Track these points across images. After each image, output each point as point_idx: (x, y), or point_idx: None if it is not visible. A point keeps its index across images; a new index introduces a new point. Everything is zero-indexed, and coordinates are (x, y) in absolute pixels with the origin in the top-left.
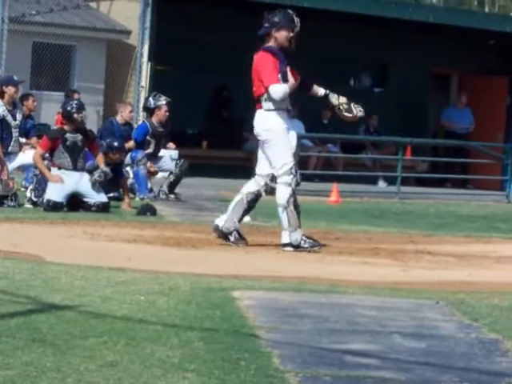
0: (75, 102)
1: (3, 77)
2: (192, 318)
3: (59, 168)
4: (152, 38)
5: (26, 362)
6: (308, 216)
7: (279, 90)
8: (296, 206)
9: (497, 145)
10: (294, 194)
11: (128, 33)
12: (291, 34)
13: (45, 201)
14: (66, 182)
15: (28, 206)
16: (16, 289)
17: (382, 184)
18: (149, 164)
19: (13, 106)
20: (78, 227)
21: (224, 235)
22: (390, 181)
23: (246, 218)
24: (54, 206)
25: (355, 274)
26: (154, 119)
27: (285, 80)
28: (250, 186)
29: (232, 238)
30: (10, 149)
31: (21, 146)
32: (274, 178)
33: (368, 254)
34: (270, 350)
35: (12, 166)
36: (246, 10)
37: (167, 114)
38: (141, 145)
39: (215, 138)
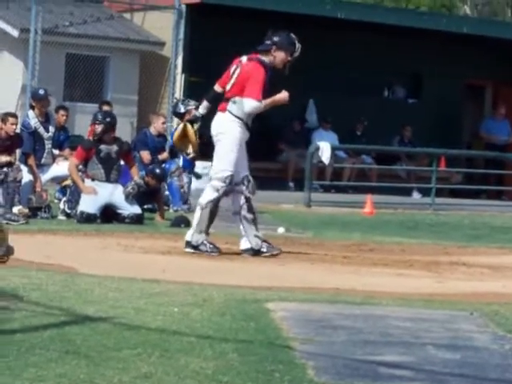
0: (99, 113)
1: (32, 90)
2: (226, 329)
3: (93, 179)
4: (186, 49)
5: (60, 374)
6: (342, 227)
7: (254, 105)
8: (213, 213)
9: None
10: (217, 200)
11: (162, 44)
12: (289, 58)
13: (78, 212)
14: (99, 193)
15: (61, 217)
16: (49, 300)
17: (416, 195)
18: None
19: (45, 118)
20: (112, 239)
21: (195, 248)
22: (425, 192)
23: (281, 230)
24: (87, 218)
25: (389, 286)
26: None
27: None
28: (209, 194)
29: (203, 249)
30: (42, 161)
31: (54, 158)
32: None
33: (402, 266)
34: (304, 362)
35: (45, 177)
36: (280, 22)
37: None
38: (175, 154)
39: (250, 149)
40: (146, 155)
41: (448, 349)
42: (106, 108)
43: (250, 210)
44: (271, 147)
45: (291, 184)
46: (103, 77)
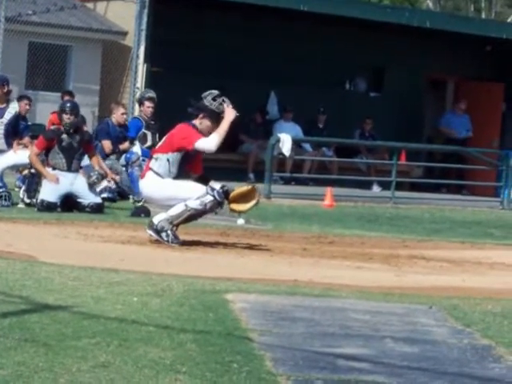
0: (67, 103)
1: None
2: (185, 319)
3: (54, 168)
4: (148, 39)
5: (19, 361)
6: (302, 220)
7: (213, 141)
8: (192, 218)
9: (492, 151)
10: (202, 212)
11: (124, 34)
12: (213, 125)
13: (39, 201)
14: (60, 182)
15: (21, 206)
16: (9, 289)
17: (376, 188)
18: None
19: (6, 102)
20: (72, 228)
21: (157, 232)
22: (385, 185)
23: (240, 221)
24: (47, 207)
25: (349, 278)
26: (142, 113)
27: (187, 162)
28: (198, 204)
29: (164, 236)
30: None
31: (9, 145)
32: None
33: (362, 259)
34: (262, 353)
35: (6, 164)
36: (243, 12)
37: (149, 109)
38: (134, 139)
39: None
40: (107, 144)
41: (406, 342)
42: (67, 98)
43: (200, 211)
44: (232, 138)
45: (251, 175)
46: (65, 66)
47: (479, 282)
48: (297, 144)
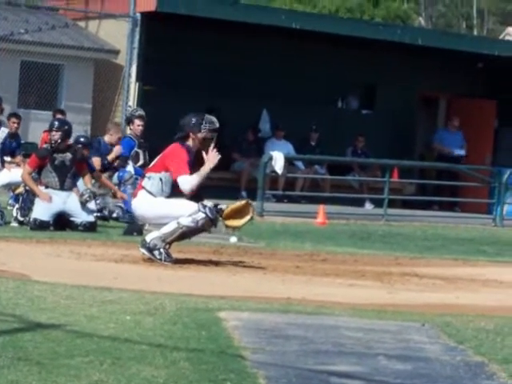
0: (55, 121)
1: None
2: (178, 338)
3: (46, 187)
4: (140, 57)
5: (12, 380)
6: (295, 237)
7: (191, 182)
8: (184, 236)
9: (484, 168)
10: (195, 230)
11: (116, 52)
12: (205, 136)
13: (31, 219)
14: (53, 201)
15: (14, 224)
16: (2, 307)
17: (368, 206)
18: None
19: None
20: (65, 246)
21: (149, 251)
22: (377, 203)
23: (233, 239)
24: (40, 225)
25: (341, 296)
26: (131, 132)
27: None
28: (190, 221)
29: (157, 255)
30: None
31: (3, 164)
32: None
33: (354, 276)
34: (255, 371)
35: None
36: (235, 31)
37: (140, 127)
38: (128, 158)
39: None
40: (97, 161)
41: (399, 360)
42: (59, 116)
43: (192, 228)
44: (224, 156)
45: (244, 193)
46: (57, 84)
47: (472, 299)
48: (289, 162)
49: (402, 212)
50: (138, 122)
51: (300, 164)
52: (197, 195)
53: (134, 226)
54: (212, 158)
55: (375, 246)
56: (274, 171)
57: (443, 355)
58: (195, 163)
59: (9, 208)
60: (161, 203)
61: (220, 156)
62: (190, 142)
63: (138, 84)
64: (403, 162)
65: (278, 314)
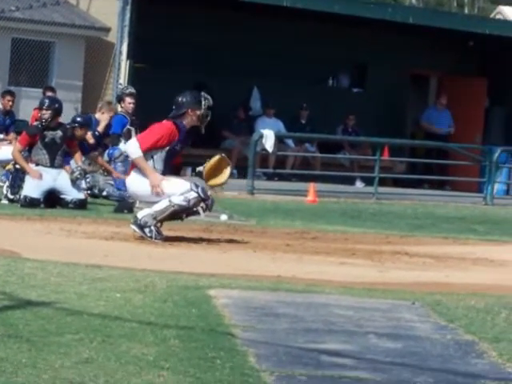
0: (46, 99)
1: None
2: (168, 315)
3: (37, 164)
4: (131, 35)
5: (2, 357)
6: (285, 215)
7: (132, 151)
8: (176, 214)
9: (475, 146)
10: (186, 208)
11: (107, 30)
12: (201, 112)
13: (22, 197)
14: (43, 178)
15: (4, 201)
16: None
17: (359, 184)
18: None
19: None
20: (55, 224)
21: (140, 228)
22: (368, 181)
23: (223, 217)
24: (30, 203)
25: (332, 274)
26: (122, 110)
27: (171, 158)
28: (181, 200)
29: (147, 232)
30: None
31: None
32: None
33: (345, 254)
34: (245, 349)
35: None
36: (226, 9)
37: (131, 105)
38: (120, 136)
39: (193, 136)
40: (89, 136)
41: (390, 338)
42: (49, 93)
43: (184, 207)
44: (215, 134)
45: (234, 171)
46: (48, 62)
47: (462, 278)
48: (279, 140)
49: (392, 190)
50: (128, 99)
51: (290, 142)
52: (176, 167)
53: (124, 204)
54: (156, 182)
55: (366, 225)
56: (264, 149)
57: (433, 334)
58: (186, 142)
59: (0, 185)
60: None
61: (162, 186)
62: (186, 120)
63: (128, 62)
64: (394, 141)
65: (268, 291)
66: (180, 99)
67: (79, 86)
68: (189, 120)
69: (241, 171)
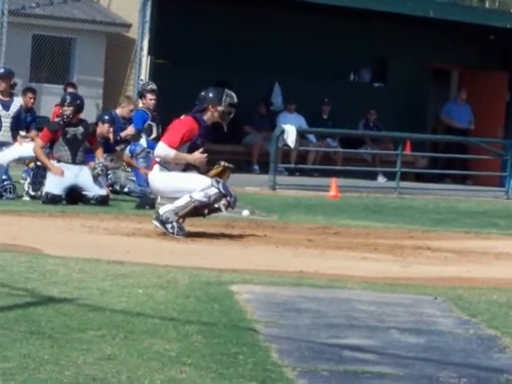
0: (67, 95)
1: None
2: (190, 311)
3: (58, 161)
4: (152, 31)
5: (24, 354)
6: (307, 211)
7: (165, 151)
8: (196, 210)
9: (496, 141)
10: (206, 204)
11: (128, 26)
12: (222, 109)
13: (43, 193)
14: (65, 175)
15: (26, 198)
16: (14, 281)
17: (381, 179)
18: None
19: (9, 96)
20: (77, 220)
21: (162, 223)
22: (390, 176)
23: (245, 212)
24: (52, 199)
25: (354, 269)
26: (144, 106)
27: (190, 152)
28: (202, 196)
29: (169, 228)
30: None
31: (14, 138)
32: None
33: (367, 250)
34: (268, 345)
35: (11, 157)
36: (247, 5)
37: (152, 101)
38: (142, 132)
39: (215, 132)
40: (109, 130)
41: (412, 333)
42: (70, 89)
43: (204, 203)
44: (236, 130)
45: (256, 167)
46: (69, 58)
47: (484, 273)
48: (301, 135)
49: (414, 185)
50: (149, 96)
51: (312, 137)
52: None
53: (146, 200)
54: (200, 156)
55: (388, 219)
56: (286, 144)
57: (456, 328)
58: (207, 137)
59: (21, 181)
60: (175, 177)
61: (207, 159)
62: (206, 116)
63: (149, 58)
64: (415, 135)
65: (291, 287)
66: (203, 94)
67: (100, 82)
68: (209, 116)
69: (262, 167)
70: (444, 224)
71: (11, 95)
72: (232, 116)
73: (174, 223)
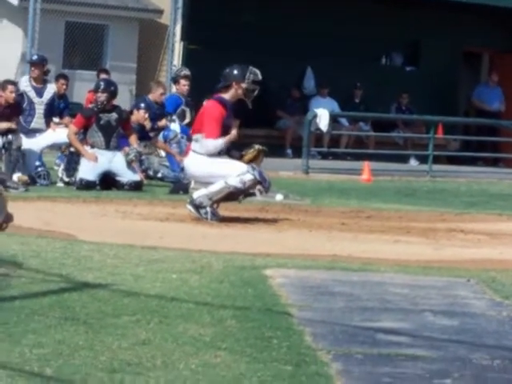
0: (101, 81)
1: (30, 55)
2: (224, 296)
3: (92, 147)
4: (184, 17)
5: (59, 340)
6: (340, 194)
7: (215, 145)
8: (231, 195)
9: None
10: (241, 191)
11: (160, 12)
12: (245, 86)
13: (78, 179)
14: (98, 160)
15: (60, 184)
16: (49, 267)
17: (413, 162)
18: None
19: (43, 82)
20: (111, 206)
21: (196, 208)
22: (422, 159)
23: (279, 196)
24: (86, 185)
25: (387, 253)
26: (177, 91)
27: (225, 133)
28: (238, 182)
29: (203, 213)
30: (32, 125)
31: (48, 124)
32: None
33: (400, 233)
34: (302, 328)
35: (45, 144)
36: None
37: (185, 87)
38: (173, 115)
39: (248, 116)
40: (144, 115)
41: (445, 315)
42: (103, 76)
43: (239, 189)
44: (269, 114)
45: (289, 151)
46: (102, 45)
47: None
48: (334, 119)
49: (446, 168)
50: (183, 81)
51: (344, 121)
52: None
53: (180, 185)
54: (233, 135)
55: (420, 203)
56: (318, 128)
57: (489, 310)
58: (231, 115)
59: (55, 168)
60: (211, 162)
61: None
62: (229, 93)
63: (182, 43)
64: (447, 118)
65: (324, 270)
66: (227, 71)
67: (133, 68)
68: (233, 93)
69: (295, 151)
70: (476, 207)
71: (44, 82)
72: (256, 93)
73: (208, 208)
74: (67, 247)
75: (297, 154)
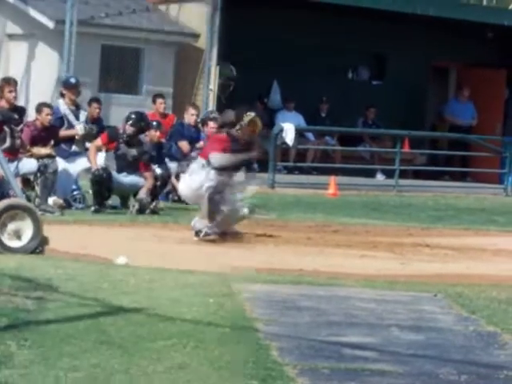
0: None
1: (63, 78)
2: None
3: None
4: (221, 41)
5: (94, 364)
6: (306, 209)
7: (222, 157)
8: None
9: (495, 138)
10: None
11: (196, 36)
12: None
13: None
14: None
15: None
16: (84, 291)
17: (380, 177)
18: None
19: (76, 107)
20: (147, 230)
21: (195, 234)
22: (388, 174)
23: (244, 211)
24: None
25: (353, 267)
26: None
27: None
28: (209, 182)
29: (202, 236)
30: (72, 148)
31: (86, 148)
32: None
33: (366, 247)
34: (268, 343)
35: (81, 167)
36: (315, 11)
37: (213, 129)
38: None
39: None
40: (184, 145)
41: (412, 330)
42: (159, 100)
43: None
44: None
45: (255, 165)
46: (138, 68)
47: (484, 269)
48: (300, 133)
49: (413, 182)
50: (211, 124)
51: (311, 135)
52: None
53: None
54: (254, 156)
55: (387, 217)
56: (284, 143)
57: (456, 325)
58: (240, 149)
59: (90, 192)
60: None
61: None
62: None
63: (218, 67)
64: (414, 133)
65: (290, 285)
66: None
67: (169, 93)
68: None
69: (261, 165)
70: (443, 221)
71: (77, 105)
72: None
73: (204, 230)
74: (103, 271)
75: (263, 168)
